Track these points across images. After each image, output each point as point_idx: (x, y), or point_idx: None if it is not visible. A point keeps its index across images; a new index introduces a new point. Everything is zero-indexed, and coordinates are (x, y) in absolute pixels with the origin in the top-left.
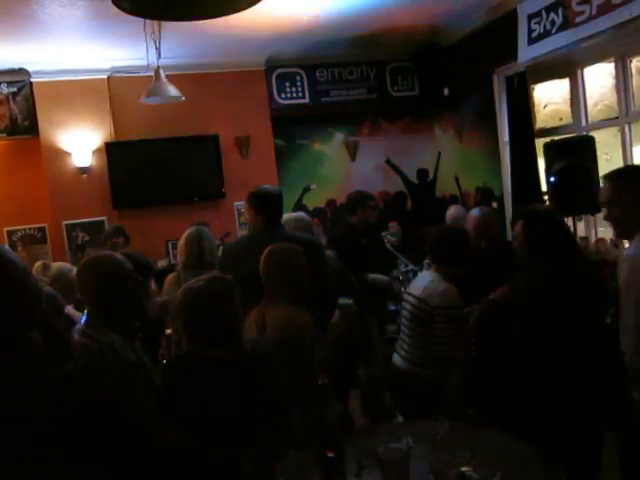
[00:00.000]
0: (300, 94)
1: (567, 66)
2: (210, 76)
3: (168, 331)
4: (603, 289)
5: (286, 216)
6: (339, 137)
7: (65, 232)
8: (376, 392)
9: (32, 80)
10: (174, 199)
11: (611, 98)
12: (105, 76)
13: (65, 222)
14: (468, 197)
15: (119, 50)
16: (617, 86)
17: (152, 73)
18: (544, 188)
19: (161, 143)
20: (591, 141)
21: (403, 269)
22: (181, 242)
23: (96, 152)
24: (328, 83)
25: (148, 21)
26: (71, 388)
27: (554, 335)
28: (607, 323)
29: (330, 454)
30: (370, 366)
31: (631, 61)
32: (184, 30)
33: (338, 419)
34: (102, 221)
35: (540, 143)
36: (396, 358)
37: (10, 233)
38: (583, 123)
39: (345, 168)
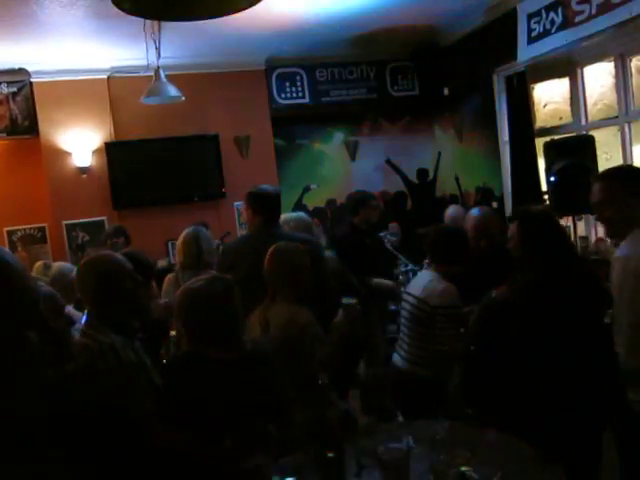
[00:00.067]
0: (300, 94)
1: (567, 65)
2: (210, 76)
3: (172, 332)
4: (600, 289)
5: (286, 216)
6: (339, 137)
7: (65, 232)
8: (379, 392)
9: (32, 80)
10: (174, 199)
11: (611, 97)
12: (105, 76)
13: (65, 222)
14: (468, 197)
15: (119, 50)
16: (617, 85)
17: (152, 73)
18: (544, 188)
19: (161, 143)
20: (591, 140)
21: (403, 269)
22: (179, 242)
23: (96, 152)
24: (328, 83)
25: (148, 21)
26: (71, 388)
27: (551, 335)
28: (605, 323)
29: (330, 454)
30: (373, 366)
31: (631, 60)
32: (184, 30)
33: (341, 418)
34: (102, 221)
35: (540, 143)
36: (396, 358)
37: (10, 233)
38: (583, 122)
39: (345, 168)
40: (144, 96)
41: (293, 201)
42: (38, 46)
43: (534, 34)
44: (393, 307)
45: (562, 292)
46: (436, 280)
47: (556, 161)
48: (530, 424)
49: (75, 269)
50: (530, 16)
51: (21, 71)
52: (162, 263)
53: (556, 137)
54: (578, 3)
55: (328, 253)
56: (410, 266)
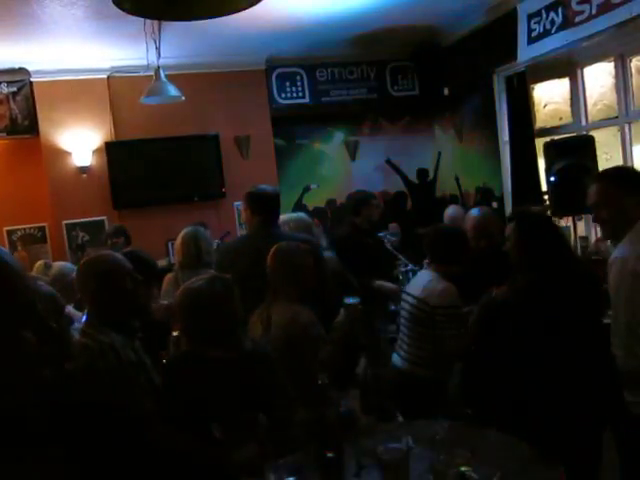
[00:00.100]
0: (300, 94)
1: (567, 66)
2: (210, 76)
3: (175, 333)
4: (597, 289)
5: (286, 217)
6: (339, 137)
7: (65, 232)
8: (380, 392)
9: (32, 80)
10: (174, 199)
11: (611, 98)
12: (105, 76)
13: (65, 222)
14: (468, 197)
15: (119, 50)
16: (617, 86)
17: (152, 73)
18: (544, 188)
19: (161, 143)
20: (591, 141)
21: (403, 269)
22: (177, 242)
23: (96, 152)
24: (328, 83)
25: (148, 21)
26: (71, 387)
27: (548, 335)
28: (604, 324)
29: (329, 454)
30: (375, 366)
31: (631, 60)
32: (184, 30)
33: (343, 418)
34: (102, 221)
35: (540, 143)
36: (395, 358)
37: (10, 232)
38: (583, 123)
39: (345, 168)
40: (144, 96)
41: (293, 201)
42: (38, 46)
43: (534, 34)
44: (393, 307)
45: (559, 292)
46: (436, 280)
47: (556, 161)
48: (529, 424)
49: (76, 269)
50: (530, 16)
51: (21, 71)
52: (162, 263)
53: (556, 137)
54: (578, 3)
55: (328, 254)
56: (410, 266)
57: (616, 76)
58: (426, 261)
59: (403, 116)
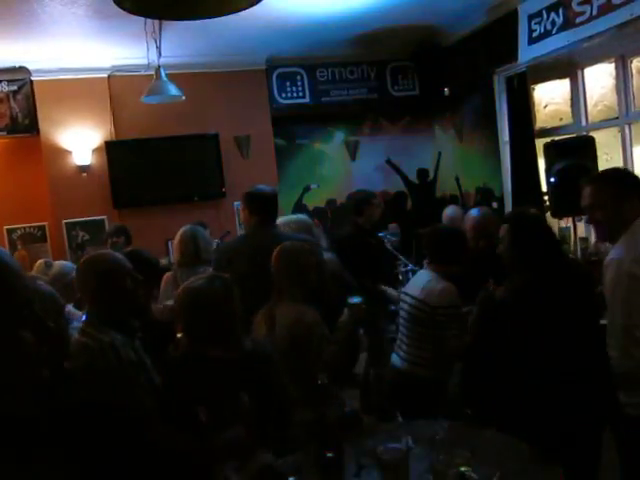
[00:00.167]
0: (300, 94)
1: (567, 66)
2: (210, 75)
3: (179, 335)
4: (592, 288)
5: (287, 218)
6: (339, 137)
7: (65, 231)
8: (381, 392)
9: (32, 78)
10: (174, 198)
11: (611, 98)
12: (105, 75)
13: (65, 221)
14: (468, 197)
15: (120, 49)
16: (617, 86)
17: (153, 72)
18: (544, 188)
19: (161, 142)
20: (591, 141)
21: (403, 269)
22: (175, 241)
23: (96, 151)
24: (328, 83)
25: (149, 20)
26: (70, 387)
27: (546, 335)
28: (600, 325)
29: (329, 454)
30: (379, 367)
31: (631, 61)
32: (185, 29)
33: (348, 418)
34: (102, 220)
35: (540, 143)
36: (395, 358)
37: (10, 231)
38: (583, 123)
39: (345, 168)
40: (144, 95)
41: (293, 201)
42: (39, 44)
43: (535, 35)
44: (393, 307)
45: (555, 292)
46: (435, 280)
47: (556, 162)
48: (528, 424)
49: (76, 268)
50: (531, 17)
51: (22, 69)
52: (162, 262)
53: (556, 138)
54: (579, 4)
55: (327, 254)
56: (410, 266)
57: (616, 77)
58: (426, 261)
59: (403, 116)
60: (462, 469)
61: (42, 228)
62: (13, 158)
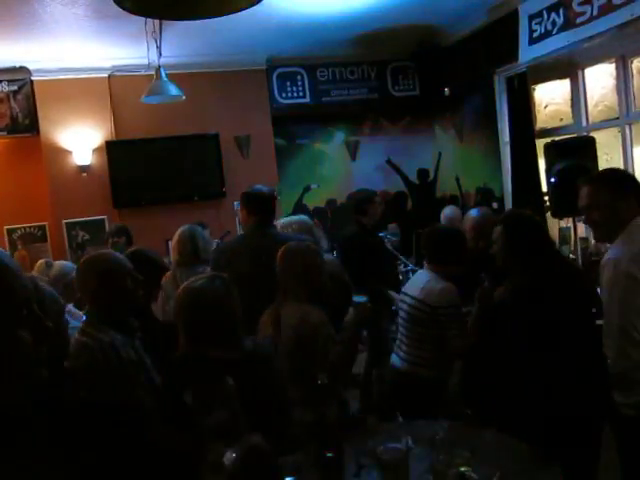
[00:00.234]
0: (301, 93)
1: (568, 67)
2: (211, 75)
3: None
4: (588, 287)
5: (288, 219)
6: (340, 137)
7: (65, 231)
8: (382, 393)
9: (33, 78)
10: (174, 198)
11: (612, 99)
12: (106, 75)
13: (65, 221)
14: (468, 197)
15: (120, 49)
16: (618, 87)
17: (153, 72)
18: (544, 188)
19: (161, 142)
20: (592, 142)
21: (403, 269)
22: (174, 240)
23: (96, 151)
24: (329, 83)
25: (149, 20)
26: (70, 387)
27: (544, 335)
28: (596, 325)
29: (329, 454)
30: (380, 367)
31: (632, 62)
32: (185, 29)
33: (355, 418)
34: (102, 220)
35: (540, 144)
36: (394, 358)
37: (10, 231)
38: (584, 124)
39: (345, 168)
40: (145, 95)
41: (293, 201)
42: (39, 45)
43: (535, 35)
44: (392, 307)
45: (552, 292)
46: (434, 280)
47: (556, 162)
48: (528, 424)
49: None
50: (531, 17)
51: (22, 69)
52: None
53: (557, 138)
54: (579, 4)
55: (328, 256)
56: (410, 266)
57: (617, 77)
58: (426, 261)
59: (404, 116)
60: (462, 469)
61: (42, 228)
62: (13, 158)
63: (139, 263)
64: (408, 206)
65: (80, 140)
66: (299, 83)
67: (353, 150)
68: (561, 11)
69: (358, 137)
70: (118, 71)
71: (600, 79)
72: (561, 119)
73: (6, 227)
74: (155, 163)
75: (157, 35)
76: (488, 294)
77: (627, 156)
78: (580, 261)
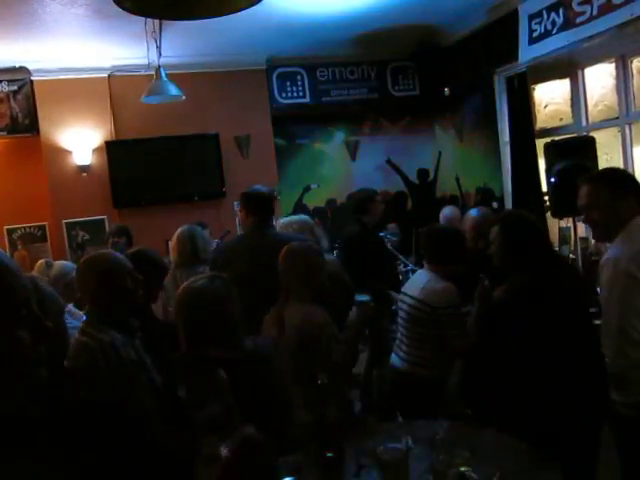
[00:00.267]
0: (301, 93)
1: (568, 66)
2: (211, 75)
3: None
4: (585, 288)
5: (288, 219)
6: (339, 137)
7: (65, 231)
8: (382, 393)
9: (33, 78)
10: (174, 198)
11: (611, 98)
12: (106, 75)
13: (65, 221)
14: (468, 197)
15: (120, 49)
16: (617, 86)
17: (153, 72)
18: (544, 188)
19: (161, 142)
20: (592, 141)
21: (403, 269)
22: (173, 241)
23: (96, 151)
24: (329, 83)
25: (149, 20)
26: (70, 387)
27: (543, 335)
28: (594, 324)
29: (329, 454)
30: (381, 367)
31: (632, 62)
32: (185, 29)
33: (357, 418)
34: (102, 220)
35: (540, 143)
36: (394, 358)
37: (10, 231)
38: (583, 123)
39: (345, 168)
40: (145, 95)
41: (293, 201)
42: (39, 44)
43: (535, 35)
44: (393, 307)
45: (551, 292)
46: (434, 280)
47: (556, 162)
48: (528, 424)
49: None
50: (531, 17)
51: (22, 69)
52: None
53: (556, 138)
54: (579, 4)
55: (328, 255)
56: (410, 266)
57: (617, 77)
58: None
59: (404, 116)
60: (462, 469)
61: (42, 228)
62: (13, 158)
63: (140, 263)
64: (408, 206)
65: (80, 140)
66: (299, 83)
67: (353, 150)
68: (561, 11)
69: (358, 137)
70: (118, 71)
71: (600, 79)
72: (561, 119)
73: (6, 227)
74: (155, 163)
75: (157, 35)
76: (488, 294)
77: (627, 156)
78: (580, 261)
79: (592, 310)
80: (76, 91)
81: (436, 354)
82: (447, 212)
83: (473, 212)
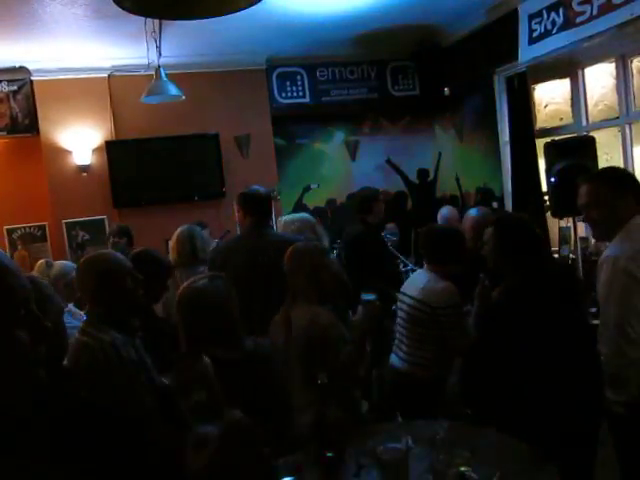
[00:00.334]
0: (300, 93)
1: (568, 66)
2: (210, 75)
3: None
4: (579, 287)
5: (290, 217)
6: (339, 136)
7: (65, 231)
8: (384, 393)
9: (33, 78)
10: (174, 198)
11: (612, 98)
12: (106, 75)
13: (65, 220)
14: (468, 197)
15: (120, 49)
16: (617, 86)
17: (152, 72)
18: (544, 188)
19: (161, 142)
20: (591, 141)
21: (403, 269)
22: (173, 241)
23: (96, 150)
24: (329, 82)
25: (149, 20)
26: (70, 387)
27: (538, 335)
28: (590, 324)
29: (330, 454)
30: (381, 367)
31: (632, 61)
32: (185, 29)
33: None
34: (102, 220)
35: (540, 143)
36: (394, 359)
37: (10, 231)
38: (583, 123)
39: (345, 168)
40: (144, 95)
41: (293, 201)
42: (39, 44)
43: (535, 34)
44: (393, 307)
45: (545, 293)
46: (434, 280)
47: (556, 162)
48: (527, 424)
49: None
50: (531, 17)
51: (22, 69)
52: None
53: (557, 138)
54: (579, 4)
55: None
56: (410, 266)
57: (617, 77)
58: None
59: (403, 116)
60: (462, 469)
61: (42, 228)
62: (13, 158)
63: (145, 263)
64: (408, 206)
65: (80, 140)
66: (299, 83)
67: (353, 150)
68: (561, 11)
69: (358, 137)
70: (118, 71)
71: (600, 79)
72: (561, 119)
73: (6, 227)
74: (155, 163)
75: (157, 35)
76: (487, 293)
77: (627, 156)
78: (580, 261)
79: (591, 310)
80: (76, 91)
81: (436, 354)
82: (445, 212)
83: (473, 212)
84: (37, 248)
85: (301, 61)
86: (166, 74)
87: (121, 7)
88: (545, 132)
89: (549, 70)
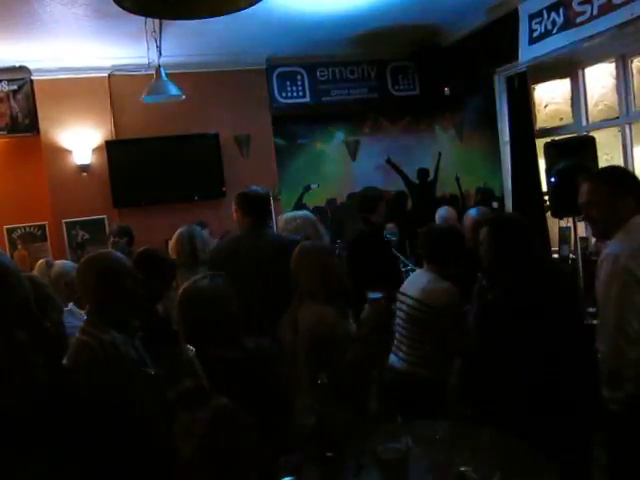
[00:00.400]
0: (301, 93)
1: (568, 66)
2: (211, 75)
3: None
4: (574, 286)
5: (291, 214)
6: (340, 136)
7: (65, 230)
8: (384, 393)
9: (33, 78)
10: (174, 198)
11: (612, 98)
12: (106, 74)
13: (65, 220)
14: (469, 197)
15: (120, 48)
16: (618, 86)
17: (153, 71)
18: (544, 188)
19: (161, 141)
20: (592, 141)
21: (403, 269)
22: (172, 241)
23: (96, 150)
24: (329, 82)
25: (149, 19)
26: (70, 387)
27: (533, 335)
28: (586, 323)
29: (329, 454)
30: (382, 367)
31: (632, 61)
32: (185, 29)
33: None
34: (102, 219)
35: (540, 143)
36: (393, 359)
37: (10, 231)
38: (584, 123)
39: (346, 167)
40: (145, 95)
41: (293, 201)
42: (39, 44)
43: (535, 34)
44: (393, 307)
45: (540, 293)
46: (434, 280)
47: (557, 162)
48: (527, 424)
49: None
50: (531, 16)
51: (22, 69)
52: None
53: (557, 138)
54: (579, 4)
55: None
56: (410, 266)
57: (617, 77)
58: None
59: (404, 116)
60: (462, 469)
61: (42, 228)
62: (13, 158)
63: (151, 262)
64: (408, 206)
65: (80, 140)
66: (299, 83)
67: (353, 150)
68: (561, 10)
69: (358, 137)
70: (118, 71)
71: (600, 79)
72: (561, 119)
73: (6, 227)
74: (155, 163)
75: (157, 35)
76: (485, 293)
77: (627, 156)
78: (580, 261)
79: (590, 310)
80: (76, 91)
81: (436, 354)
82: (443, 212)
83: (473, 212)
84: (37, 248)
85: (301, 61)
86: (166, 74)
87: (121, 7)
88: (545, 132)
89: (549, 70)
